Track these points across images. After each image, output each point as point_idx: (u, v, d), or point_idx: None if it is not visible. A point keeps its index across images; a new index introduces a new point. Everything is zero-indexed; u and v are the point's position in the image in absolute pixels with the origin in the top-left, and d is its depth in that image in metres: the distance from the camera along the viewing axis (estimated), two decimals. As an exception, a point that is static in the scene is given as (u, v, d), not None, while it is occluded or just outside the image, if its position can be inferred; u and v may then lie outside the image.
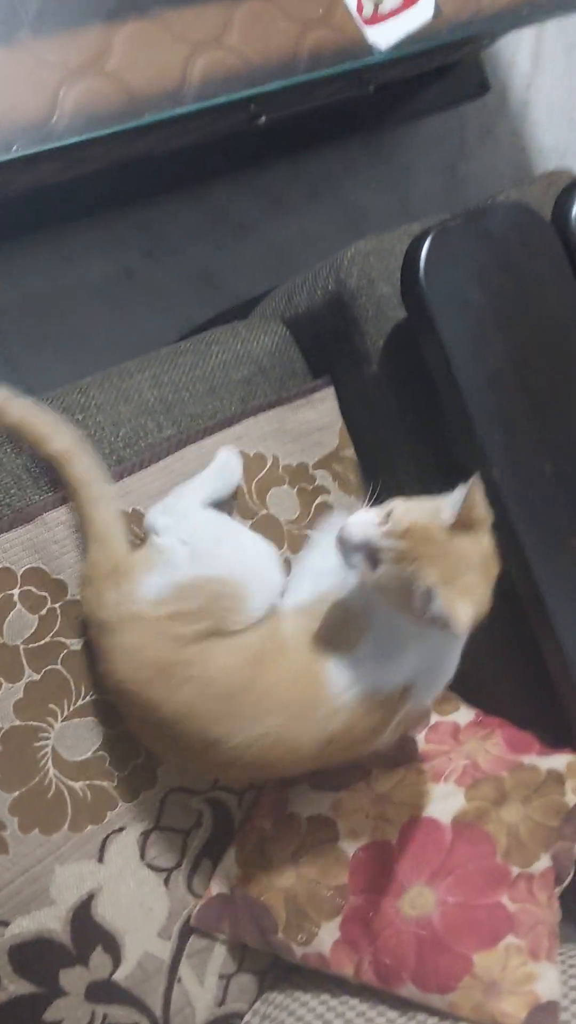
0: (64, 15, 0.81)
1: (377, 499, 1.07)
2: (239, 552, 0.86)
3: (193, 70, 0.86)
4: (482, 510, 0.77)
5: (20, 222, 1.29)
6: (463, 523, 0.76)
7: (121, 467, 0.93)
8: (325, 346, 1.05)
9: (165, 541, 0.85)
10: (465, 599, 0.73)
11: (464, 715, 1.03)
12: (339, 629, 0.84)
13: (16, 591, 0.86)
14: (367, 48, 0.97)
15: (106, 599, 0.83)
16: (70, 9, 0.82)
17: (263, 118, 1.00)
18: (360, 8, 0.97)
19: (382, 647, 0.82)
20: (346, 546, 0.77)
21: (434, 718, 1.02)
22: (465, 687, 1.07)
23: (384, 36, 0.99)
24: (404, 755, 0.99)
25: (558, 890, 0.92)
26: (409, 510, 0.77)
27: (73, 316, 1.41)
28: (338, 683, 0.82)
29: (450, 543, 0.75)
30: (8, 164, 0.83)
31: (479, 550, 0.77)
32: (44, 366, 1.39)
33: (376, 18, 0.98)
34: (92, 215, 1.42)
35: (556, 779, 0.95)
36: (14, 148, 0.77)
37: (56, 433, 0.87)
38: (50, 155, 0.85)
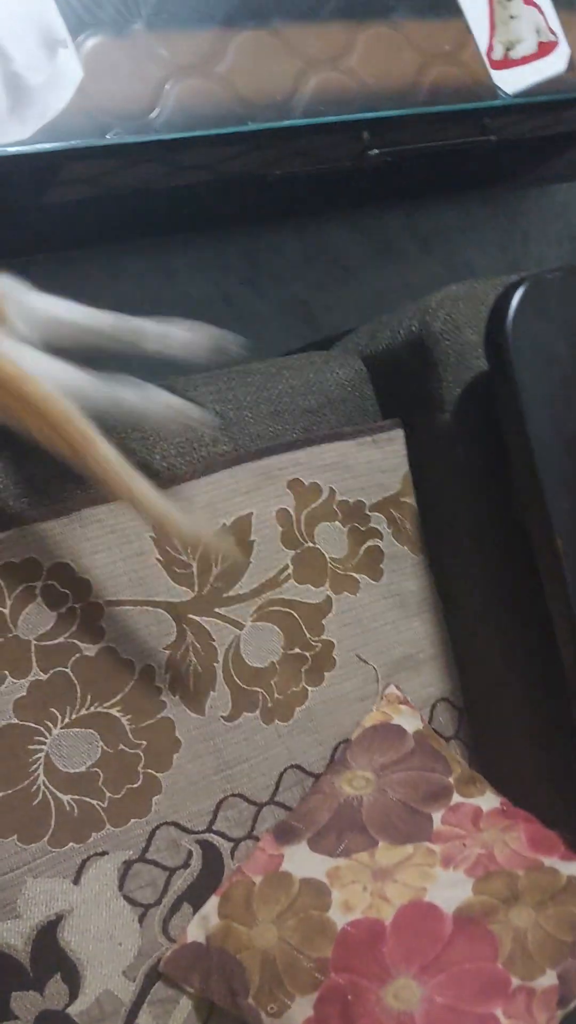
0: (182, 14, 0.80)
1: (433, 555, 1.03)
2: None
3: (305, 86, 0.84)
4: None
5: (128, 226, 1.30)
6: None
7: (171, 475, 0.90)
8: (401, 388, 1.01)
9: None
10: None
11: (489, 801, 0.95)
12: None
13: (39, 584, 0.83)
14: (492, 91, 0.94)
15: None
16: (189, 9, 0.81)
17: (375, 150, 0.97)
18: (491, 49, 0.94)
19: None
20: None
21: (456, 799, 0.95)
22: (496, 772, 1.00)
23: (512, 81, 0.96)
24: (416, 831, 0.91)
25: (560, 1014, 0.83)
26: None
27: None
28: None
29: None
30: (108, 155, 0.82)
31: None
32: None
33: (506, 62, 0.95)
34: (200, 234, 1.42)
35: (577, 889, 0.87)
36: (109, 135, 0.76)
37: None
38: (151, 152, 0.84)
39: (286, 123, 0.82)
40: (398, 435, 1.01)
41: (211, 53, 0.81)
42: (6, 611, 0.82)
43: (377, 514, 0.98)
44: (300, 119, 0.83)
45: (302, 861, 0.89)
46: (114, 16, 0.77)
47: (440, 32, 0.92)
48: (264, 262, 1.48)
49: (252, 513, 0.93)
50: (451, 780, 0.96)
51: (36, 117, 0.74)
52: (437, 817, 0.93)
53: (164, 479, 0.90)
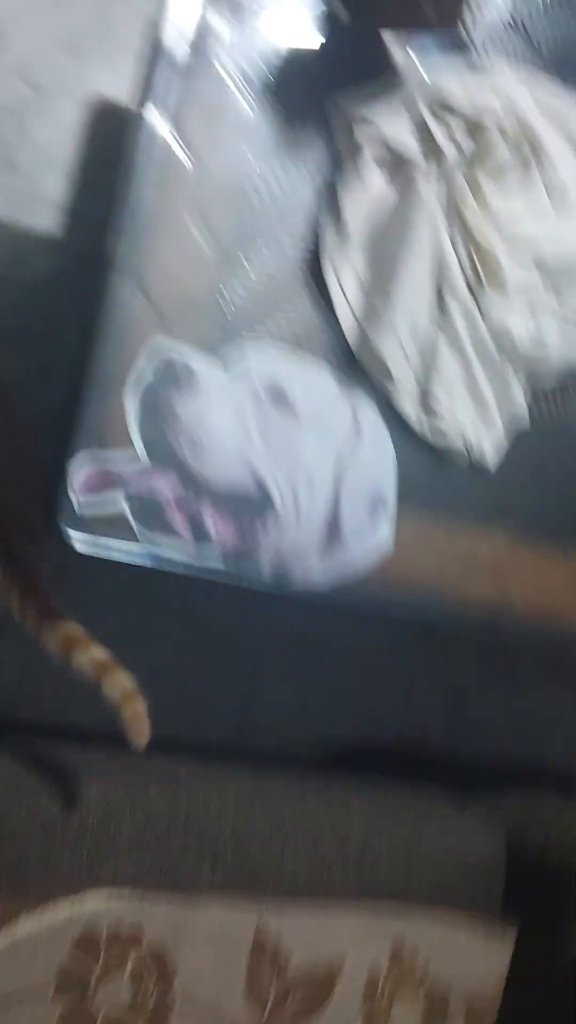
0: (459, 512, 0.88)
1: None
2: None
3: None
4: None
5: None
6: None
7: (291, 886, 0.90)
8: (531, 893, 1.00)
9: None
10: None
11: None
12: None
13: (132, 959, 0.83)
14: None
15: None
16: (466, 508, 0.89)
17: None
18: None
19: None
20: None
21: None
22: None
23: None
24: None
25: None
26: None
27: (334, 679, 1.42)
28: None
29: None
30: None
31: None
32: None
33: None
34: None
35: None
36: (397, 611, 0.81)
37: None
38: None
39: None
40: (510, 938, 0.99)
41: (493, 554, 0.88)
42: (92, 978, 0.81)
43: (458, 1017, 0.95)
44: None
45: None
46: (429, 495, 0.84)
47: None
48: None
49: (346, 960, 0.92)
50: None
51: (339, 569, 0.80)
52: None
53: (285, 887, 0.90)
